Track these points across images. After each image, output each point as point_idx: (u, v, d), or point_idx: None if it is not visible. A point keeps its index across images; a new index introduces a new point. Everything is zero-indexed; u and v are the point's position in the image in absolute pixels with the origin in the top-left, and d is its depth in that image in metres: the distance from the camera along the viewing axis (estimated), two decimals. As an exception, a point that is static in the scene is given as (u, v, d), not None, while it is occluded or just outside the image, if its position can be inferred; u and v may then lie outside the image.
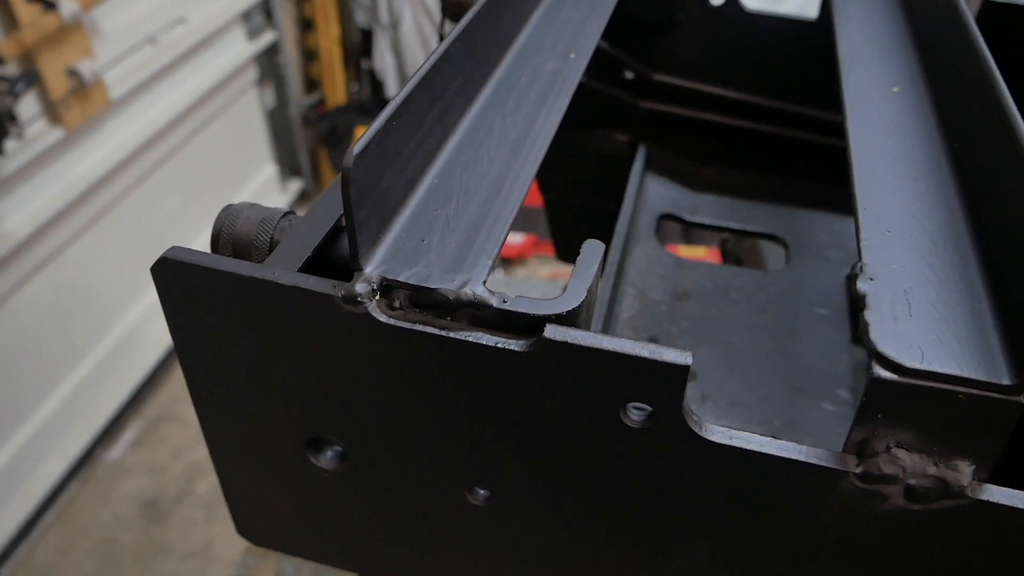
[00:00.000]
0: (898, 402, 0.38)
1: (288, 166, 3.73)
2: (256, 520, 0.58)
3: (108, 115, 2.46)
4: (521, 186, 0.48)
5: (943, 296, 0.41)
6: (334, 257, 0.48)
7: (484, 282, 0.41)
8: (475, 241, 0.44)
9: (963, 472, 0.39)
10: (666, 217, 0.93)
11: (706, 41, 0.92)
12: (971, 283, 0.41)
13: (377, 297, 0.41)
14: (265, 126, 3.48)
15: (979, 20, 0.81)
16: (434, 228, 0.45)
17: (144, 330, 2.83)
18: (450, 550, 0.53)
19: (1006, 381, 0.36)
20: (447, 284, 0.41)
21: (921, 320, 0.39)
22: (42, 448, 2.45)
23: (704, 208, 0.96)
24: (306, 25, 3.78)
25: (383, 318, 0.41)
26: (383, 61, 3.84)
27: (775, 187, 0.97)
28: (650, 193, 0.95)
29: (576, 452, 0.43)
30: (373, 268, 0.42)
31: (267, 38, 3.33)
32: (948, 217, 0.46)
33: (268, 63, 3.41)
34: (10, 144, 2.06)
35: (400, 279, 0.41)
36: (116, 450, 2.65)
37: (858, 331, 0.40)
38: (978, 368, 0.37)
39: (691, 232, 2.89)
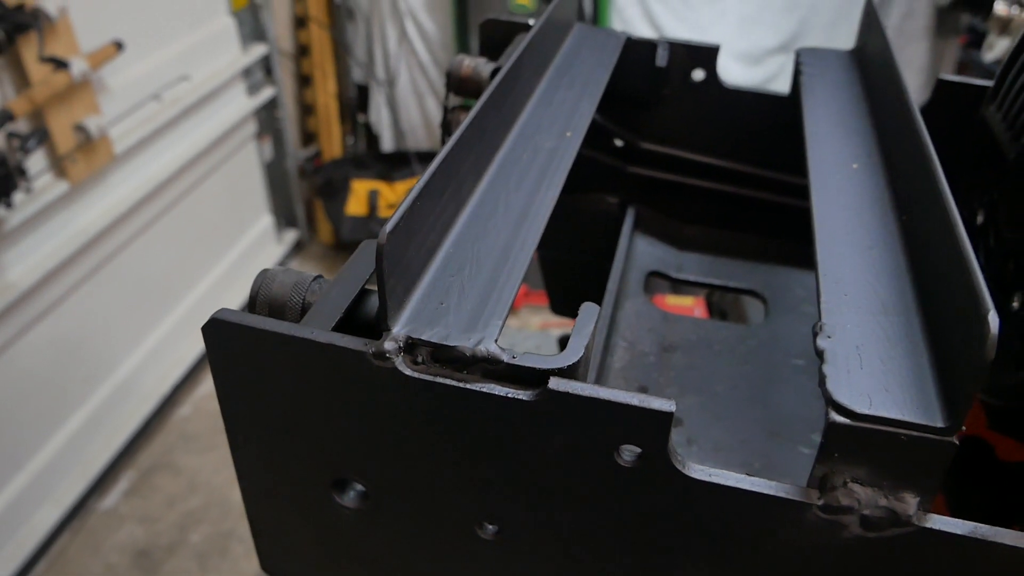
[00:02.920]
0: (851, 442, 0.44)
1: (284, 217, 3.81)
2: (280, 556, 0.63)
3: (112, 168, 2.54)
4: (525, 255, 0.55)
5: (890, 351, 0.48)
6: (361, 318, 0.54)
7: (496, 340, 0.48)
8: (487, 304, 0.51)
9: (909, 503, 0.45)
10: (654, 274, 1.00)
11: (689, 113, 1.00)
12: (915, 340, 0.48)
13: (402, 354, 0.48)
14: (263, 178, 3.56)
15: (934, 94, 0.90)
16: (451, 292, 0.51)
17: (139, 380, 2.87)
18: (460, 581, 0.58)
19: (940, 424, 0.43)
20: (464, 342, 0.47)
21: (871, 372, 0.46)
22: (36, 497, 2.46)
23: (689, 265, 1.03)
24: (304, 81, 3.90)
25: (408, 372, 0.47)
26: (379, 116, 3.95)
27: (755, 246, 1.05)
28: (639, 251, 1.02)
29: (575, 489, 0.49)
30: (399, 328, 0.48)
31: (267, 93, 3.43)
32: (897, 282, 0.53)
33: (267, 117, 3.51)
34: (18, 197, 2.12)
35: (423, 338, 0.48)
36: (109, 499, 2.66)
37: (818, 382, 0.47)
38: (917, 413, 0.43)
39: (685, 286, 2.98)
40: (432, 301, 0.51)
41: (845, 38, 3.40)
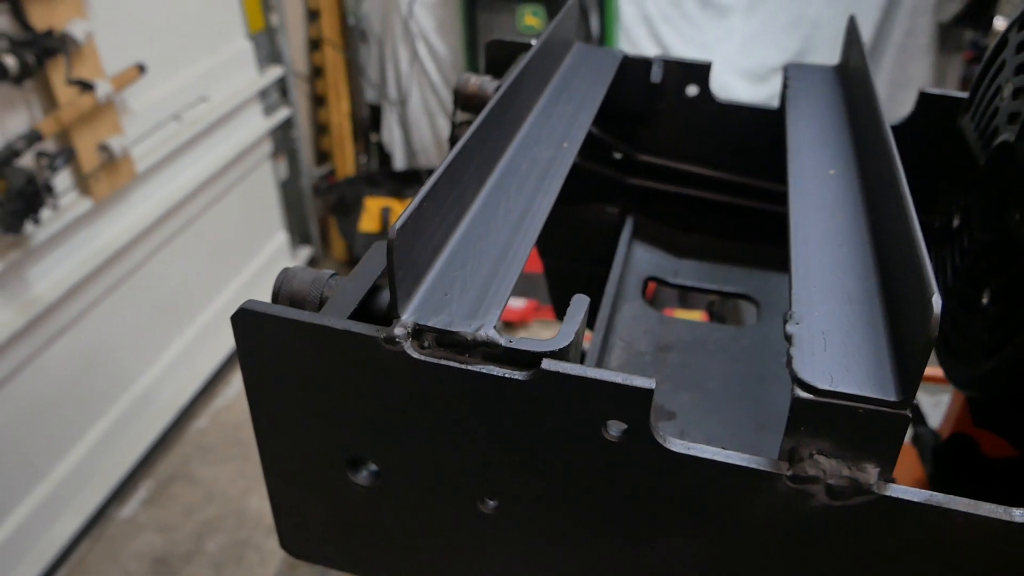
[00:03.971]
0: (815, 417, 0.49)
1: (299, 234, 3.88)
2: (298, 534, 0.68)
3: (133, 186, 2.62)
4: (523, 252, 0.60)
5: (852, 336, 0.52)
6: (373, 309, 0.60)
7: (495, 327, 0.53)
8: (487, 295, 0.56)
9: (870, 473, 0.50)
10: (651, 279, 1.05)
11: (684, 127, 1.05)
12: (876, 326, 0.53)
13: (411, 339, 0.53)
14: (278, 196, 3.64)
15: (917, 106, 0.95)
16: (455, 285, 0.57)
17: (158, 392, 2.93)
18: (465, 554, 0.63)
19: (893, 398, 0.47)
20: (466, 328, 0.52)
21: (834, 354, 0.51)
22: (57, 506, 2.52)
23: (685, 271, 1.08)
24: (319, 101, 3.99)
25: (416, 355, 0.52)
26: (391, 135, 4.03)
27: (749, 253, 1.10)
28: (637, 258, 1.07)
29: (567, 464, 0.54)
30: (408, 316, 0.53)
31: (282, 114, 3.51)
32: (863, 275, 0.58)
33: (282, 137, 3.59)
34: (44, 214, 2.20)
35: (429, 324, 0.53)
36: (128, 508, 2.72)
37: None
38: (874, 388, 0.48)
39: (687, 297, 3.02)
40: (437, 292, 0.56)
41: (849, 55, 3.46)
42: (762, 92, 3.58)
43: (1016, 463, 0.86)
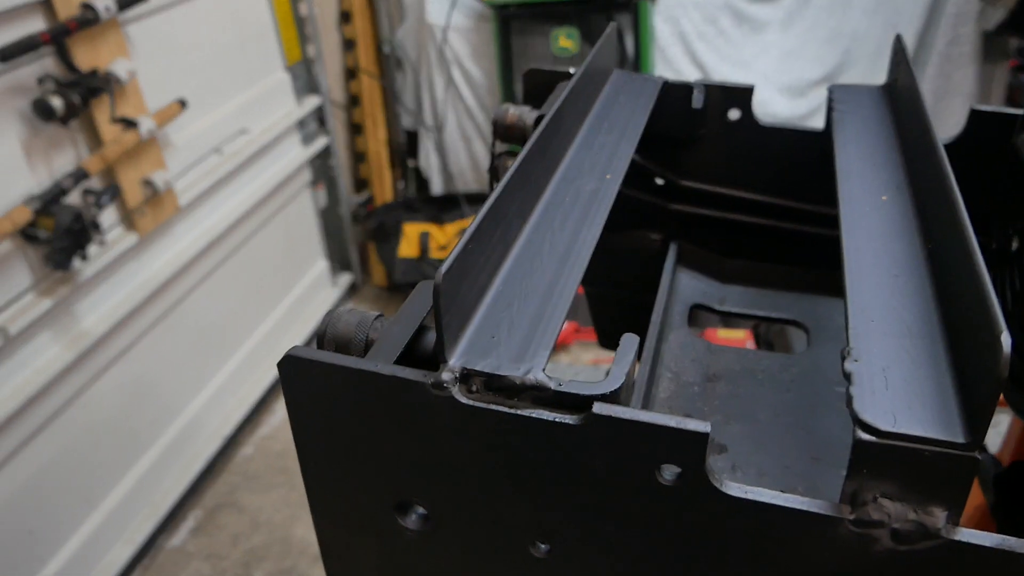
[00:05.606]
0: (878, 459, 0.47)
1: (339, 261, 3.92)
2: (348, 577, 0.68)
3: (177, 220, 2.67)
4: (569, 290, 0.59)
5: (914, 372, 0.50)
6: (419, 351, 0.59)
7: (543, 369, 0.52)
8: (534, 336, 0.55)
9: (938, 516, 0.48)
10: (697, 307, 1.03)
11: (726, 151, 1.04)
12: (938, 362, 0.51)
13: (458, 383, 0.52)
14: (318, 224, 3.69)
15: (968, 124, 0.92)
16: (501, 326, 0.56)
17: (203, 421, 2.97)
18: (516, 599, 0.62)
19: (961, 439, 0.45)
20: (514, 372, 0.52)
21: (895, 393, 0.49)
22: (110, 536, 2.56)
23: (732, 298, 1.06)
24: (356, 129, 4.04)
25: (464, 400, 0.52)
26: (428, 160, 4.06)
27: (796, 277, 1.08)
28: (682, 285, 1.06)
29: (621, 508, 0.53)
30: (455, 360, 0.53)
31: (320, 143, 3.56)
32: (923, 308, 0.56)
33: (321, 166, 3.64)
34: (92, 249, 2.25)
35: (477, 368, 0.52)
36: (177, 537, 2.75)
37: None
38: (939, 429, 0.46)
39: (728, 317, 2.99)
40: (484, 335, 0.55)
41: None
42: (802, 107, 3.54)
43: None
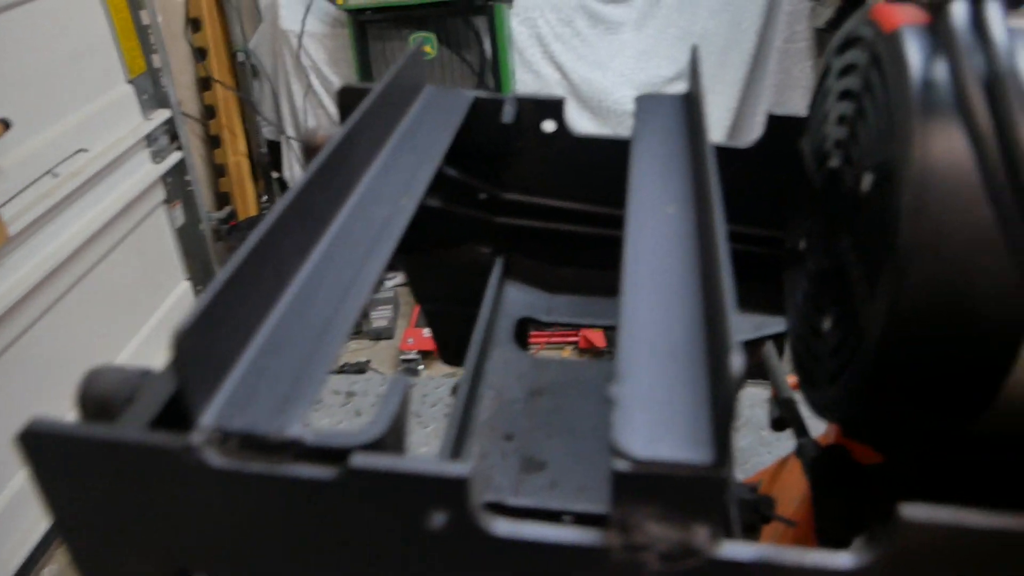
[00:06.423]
0: (638, 485, 0.47)
1: (202, 281, 3.76)
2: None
3: (9, 249, 2.48)
4: (342, 332, 0.57)
5: (673, 394, 0.51)
6: (183, 408, 0.56)
7: (303, 421, 0.50)
8: (297, 385, 0.52)
9: (700, 534, 0.48)
10: (524, 319, 1.03)
11: (544, 162, 1.04)
12: (696, 384, 0.52)
13: (212, 446, 0.49)
14: (176, 244, 3.52)
15: (766, 129, 0.96)
16: (265, 376, 0.53)
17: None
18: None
19: (707, 460, 0.46)
20: (271, 427, 0.49)
21: (654, 416, 0.49)
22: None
23: (560, 307, 1.07)
24: (213, 142, 3.88)
25: (218, 464, 0.49)
26: (292, 172, 3.95)
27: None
28: (509, 299, 1.05)
29: (391, 561, 0.51)
30: (208, 419, 0.50)
31: (173, 159, 3.40)
32: (690, 327, 0.57)
33: (176, 182, 3.47)
34: (-91, 290, 2.07)
35: (231, 427, 0.49)
36: (34, 590, 2.57)
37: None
38: (689, 451, 0.46)
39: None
40: (246, 387, 0.52)
41: (737, 64, 3.55)
42: (657, 102, 3.63)
43: (885, 468, 0.87)
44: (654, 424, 0.49)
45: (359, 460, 0.47)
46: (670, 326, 0.57)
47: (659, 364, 0.53)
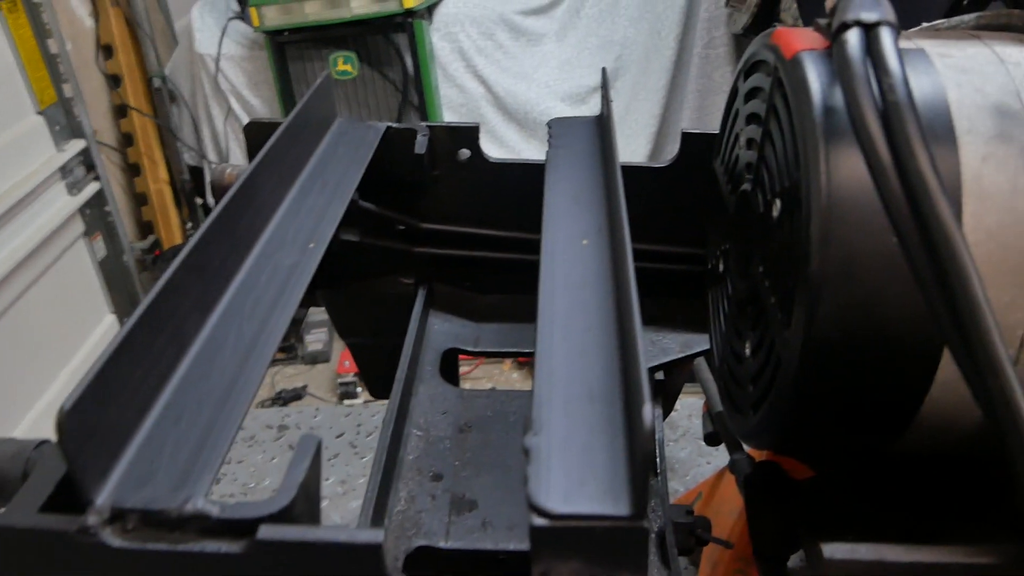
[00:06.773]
0: (557, 540, 0.46)
1: (128, 313, 3.63)
2: None
3: (-84, 295, 2.36)
4: (248, 393, 0.55)
5: (591, 443, 0.50)
6: (81, 483, 0.53)
7: (207, 495, 0.47)
8: (201, 455, 0.50)
9: (622, 585, 0.47)
10: (450, 351, 1.01)
11: (462, 190, 1.03)
12: (614, 428, 0.51)
13: (109, 526, 0.46)
14: (99, 277, 3.39)
15: (682, 147, 0.97)
16: (165, 447, 0.51)
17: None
18: None
19: (625, 512, 0.45)
20: (171, 503, 0.46)
21: (570, 468, 0.48)
22: None
23: (487, 336, 1.06)
24: (133, 170, 3.76)
25: (117, 544, 0.46)
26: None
27: (549, 306, 1.08)
28: (434, 331, 1.04)
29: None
30: (103, 498, 0.47)
31: (91, 190, 3.28)
32: (607, 368, 0.56)
33: (95, 214, 3.35)
34: None
35: (128, 506, 0.46)
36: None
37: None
38: (607, 504, 0.46)
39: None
40: (143, 461, 0.50)
41: (659, 71, 3.61)
42: (583, 112, 3.66)
43: (817, 482, 0.88)
44: (571, 475, 0.48)
45: (267, 532, 0.45)
46: (587, 367, 0.56)
47: (576, 408, 0.53)
